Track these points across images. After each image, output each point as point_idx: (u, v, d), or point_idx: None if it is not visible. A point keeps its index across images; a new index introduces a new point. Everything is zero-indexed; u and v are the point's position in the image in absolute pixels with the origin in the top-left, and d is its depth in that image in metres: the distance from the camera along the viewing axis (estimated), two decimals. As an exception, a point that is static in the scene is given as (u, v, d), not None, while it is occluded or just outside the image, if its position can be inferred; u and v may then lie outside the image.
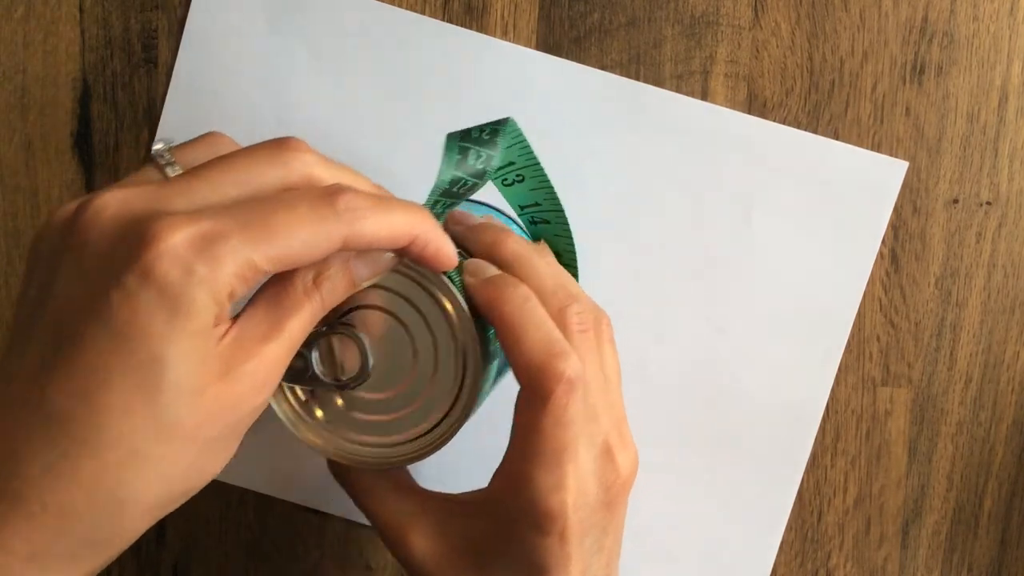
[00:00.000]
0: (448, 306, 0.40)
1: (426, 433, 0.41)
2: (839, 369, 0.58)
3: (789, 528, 0.58)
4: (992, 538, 0.59)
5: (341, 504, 0.57)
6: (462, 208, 0.46)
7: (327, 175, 0.36)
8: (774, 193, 0.57)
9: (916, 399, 0.59)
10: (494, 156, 0.43)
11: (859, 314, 0.58)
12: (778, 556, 0.58)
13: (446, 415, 0.41)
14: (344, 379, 0.41)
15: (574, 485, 0.39)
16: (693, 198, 0.57)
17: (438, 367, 0.40)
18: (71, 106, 0.57)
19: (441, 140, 0.43)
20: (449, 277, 0.40)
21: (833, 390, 0.58)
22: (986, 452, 0.59)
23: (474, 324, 0.40)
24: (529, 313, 0.39)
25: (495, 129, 0.43)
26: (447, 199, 0.41)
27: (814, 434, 0.58)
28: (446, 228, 0.42)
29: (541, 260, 0.43)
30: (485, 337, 0.41)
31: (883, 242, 0.57)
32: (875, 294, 0.58)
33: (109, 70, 0.56)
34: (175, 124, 0.56)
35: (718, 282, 0.57)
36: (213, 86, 0.56)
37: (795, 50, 0.57)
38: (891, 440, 0.59)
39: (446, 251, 0.38)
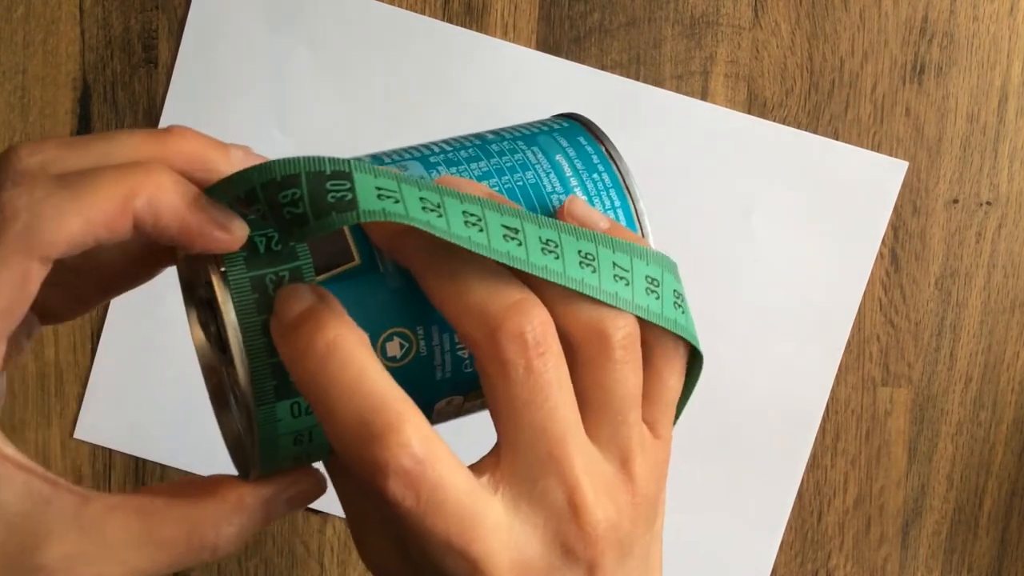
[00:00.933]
0: (224, 317, 0.28)
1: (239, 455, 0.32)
2: (839, 369, 0.58)
3: (789, 528, 0.58)
4: (992, 538, 0.59)
5: (341, 504, 0.57)
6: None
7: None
8: (774, 193, 0.57)
9: (916, 399, 0.59)
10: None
11: (859, 314, 0.58)
12: (778, 556, 0.58)
13: (250, 449, 0.30)
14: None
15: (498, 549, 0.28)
16: (693, 198, 0.57)
17: (233, 389, 0.30)
18: (71, 106, 0.57)
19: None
20: (258, 277, 0.28)
21: (833, 390, 0.58)
22: (986, 452, 0.59)
23: (244, 350, 0.28)
24: (334, 374, 0.27)
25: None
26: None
27: (814, 434, 0.58)
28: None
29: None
30: (269, 367, 0.28)
31: (883, 242, 0.57)
32: (875, 294, 0.58)
33: (109, 70, 0.57)
34: (175, 124, 0.56)
35: (718, 282, 0.57)
36: (213, 86, 0.56)
37: (795, 50, 0.57)
38: (891, 440, 0.59)
39: (189, 225, 0.27)
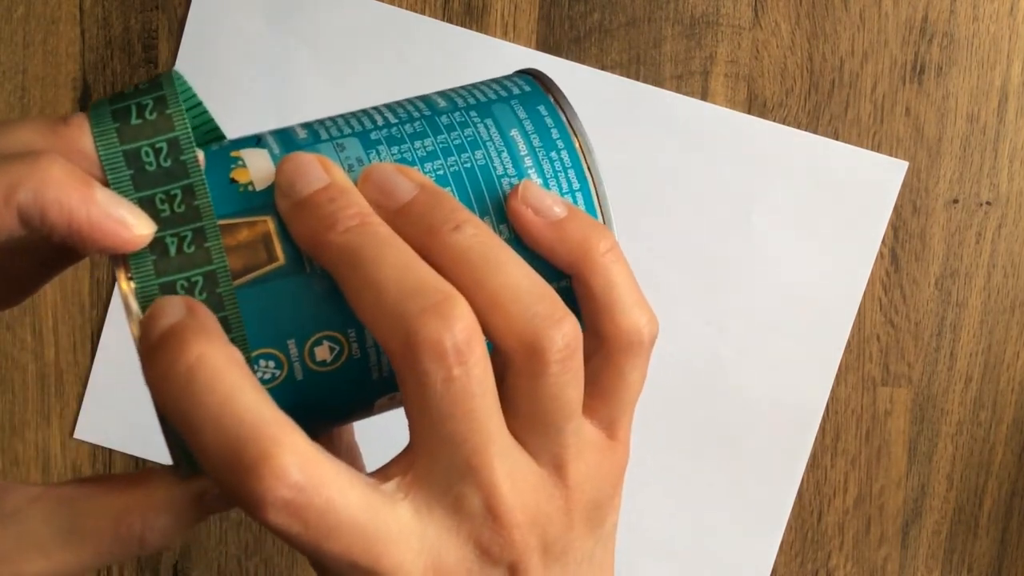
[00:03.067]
0: (130, 324, 0.26)
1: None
2: (839, 369, 0.58)
3: (789, 528, 0.58)
4: (992, 538, 0.59)
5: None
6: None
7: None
8: (774, 193, 0.57)
9: (916, 399, 0.59)
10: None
11: (859, 314, 0.58)
12: (778, 556, 0.58)
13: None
14: None
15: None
16: (693, 198, 0.57)
17: None
18: (71, 106, 0.57)
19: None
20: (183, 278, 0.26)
21: (833, 390, 0.58)
22: (986, 452, 0.59)
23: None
24: (198, 398, 0.24)
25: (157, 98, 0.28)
26: (142, 178, 0.27)
27: (814, 434, 0.58)
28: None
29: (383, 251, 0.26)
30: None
31: (883, 242, 0.57)
32: (875, 294, 0.58)
33: (109, 70, 0.56)
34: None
35: (718, 282, 0.57)
36: (213, 86, 0.56)
37: (795, 50, 0.57)
38: (891, 440, 0.59)
39: (80, 221, 0.25)
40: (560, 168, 0.29)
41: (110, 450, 0.57)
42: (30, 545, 0.27)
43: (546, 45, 0.57)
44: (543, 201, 0.28)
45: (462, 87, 0.31)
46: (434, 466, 0.26)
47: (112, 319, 0.57)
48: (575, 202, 0.29)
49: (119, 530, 0.27)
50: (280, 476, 0.24)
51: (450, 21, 0.56)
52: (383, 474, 0.27)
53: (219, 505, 0.28)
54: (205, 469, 0.25)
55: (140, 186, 0.26)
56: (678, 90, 0.57)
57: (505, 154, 0.29)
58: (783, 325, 0.57)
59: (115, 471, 0.57)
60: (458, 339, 0.24)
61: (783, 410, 0.58)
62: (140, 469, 0.29)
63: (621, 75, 0.57)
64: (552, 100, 0.30)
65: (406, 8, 0.56)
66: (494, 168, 0.29)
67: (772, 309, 0.57)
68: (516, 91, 0.30)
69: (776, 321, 0.57)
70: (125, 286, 0.26)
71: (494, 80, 0.31)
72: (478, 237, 0.26)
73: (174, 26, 0.56)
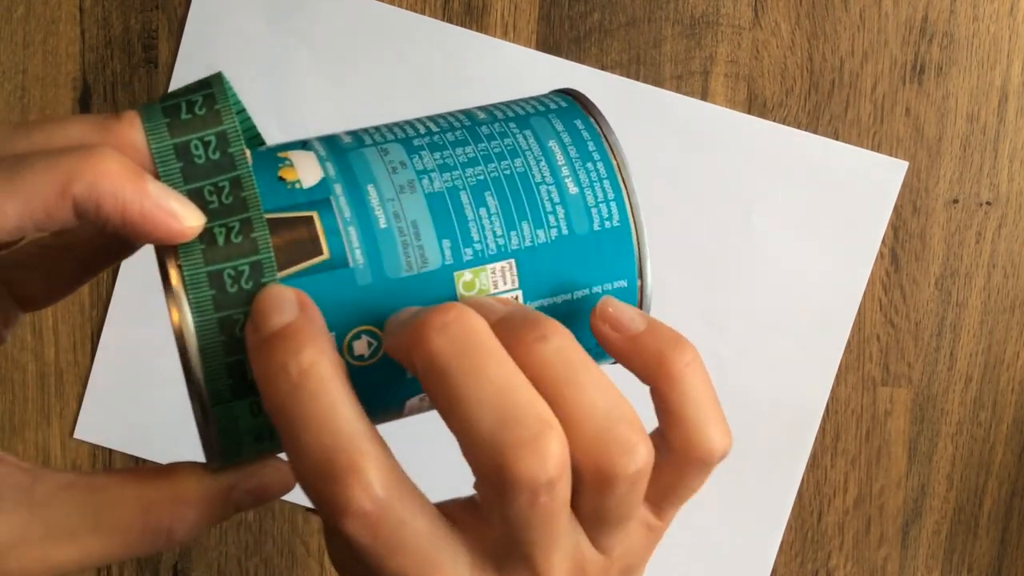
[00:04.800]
0: (172, 313, 0.27)
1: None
2: (839, 369, 0.58)
3: (789, 528, 0.58)
4: (992, 538, 0.59)
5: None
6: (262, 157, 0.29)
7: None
8: (774, 193, 0.57)
9: (916, 399, 0.59)
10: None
11: (859, 314, 0.58)
12: (778, 556, 0.58)
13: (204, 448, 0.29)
14: None
15: None
16: (693, 198, 0.57)
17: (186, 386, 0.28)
18: (71, 106, 0.57)
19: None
20: (211, 268, 0.27)
21: (833, 390, 0.58)
22: (986, 452, 0.59)
23: (199, 349, 0.27)
24: (304, 403, 0.25)
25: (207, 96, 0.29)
26: (190, 173, 0.28)
27: (814, 434, 0.58)
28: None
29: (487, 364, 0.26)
30: (224, 367, 0.27)
31: (883, 242, 0.57)
32: (875, 294, 0.58)
33: (109, 70, 0.56)
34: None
35: (718, 282, 0.57)
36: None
37: (795, 50, 0.57)
38: (891, 440, 0.59)
39: (133, 213, 0.25)
40: (596, 178, 0.30)
41: (110, 450, 0.57)
42: (60, 532, 0.27)
43: (546, 45, 0.57)
44: (621, 317, 0.28)
45: (501, 102, 0.32)
46: (498, 540, 0.27)
47: (112, 319, 0.57)
48: (609, 211, 0.30)
49: (148, 521, 0.27)
50: (365, 487, 0.25)
51: (450, 21, 0.56)
52: (446, 511, 0.27)
53: (247, 502, 0.29)
54: (293, 469, 0.26)
55: (189, 178, 0.27)
56: (678, 90, 0.57)
57: (543, 163, 0.30)
58: (783, 325, 0.57)
59: (115, 471, 0.57)
60: (551, 475, 0.25)
61: (783, 410, 0.58)
62: (170, 463, 0.29)
63: (621, 75, 0.57)
64: (588, 115, 0.31)
65: (406, 8, 0.56)
66: (532, 176, 0.29)
67: (772, 309, 0.57)
68: (553, 106, 0.31)
69: (776, 321, 0.57)
70: (174, 274, 0.26)
71: (532, 97, 0.32)
72: (562, 352, 0.26)
73: (174, 26, 0.56)
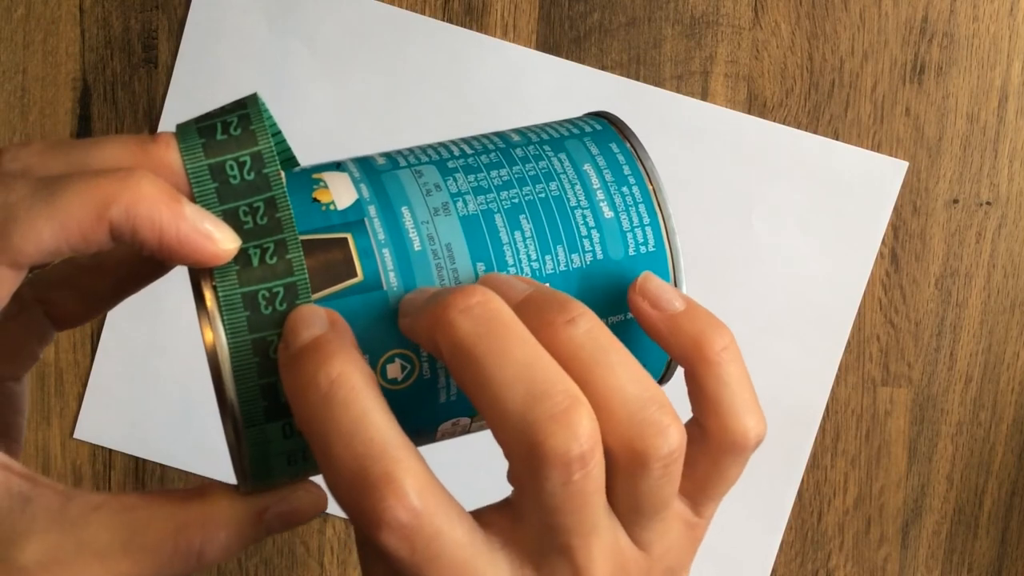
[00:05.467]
0: (205, 334, 0.27)
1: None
2: (839, 369, 0.58)
3: (789, 528, 0.58)
4: (992, 538, 0.59)
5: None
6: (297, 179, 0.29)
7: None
8: (774, 193, 0.57)
9: (916, 399, 0.59)
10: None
11: (859, 314, 0.58)
12: (778, 556, 0.58)
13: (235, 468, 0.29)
14: None
15: None
16: (693, 198, 0.57)
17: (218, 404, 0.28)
18: (71, 106, 0.57)
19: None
20: (237, 292, 0.27)
21: (833, 390, 0.58)
22: (986, 452, 0.59)
23: (232, 370, 0.27)
24: (335, 414, 0.25)
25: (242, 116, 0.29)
26: (226, 194, 0.28)
27: (814, 434, 0.58)
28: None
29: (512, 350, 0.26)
30: (258, 388, 0.27)
31: (883, 242, 0.57)
32: (875, 294, 0.58)
33: (109, 70, 0.56)
34: (175, 124, 0.56)
35: (718, 282, 0.57)
36: (213, 86, 0.56)
37: (795, 50, 0.57)
38: (891, 440, 0.59)
39: (170, 237, 0.26)
40: (632, 202, 0.30)
41: (110, 450, 0.57)
42: (90, 552, 0.27)
43: (546, 45, 0.57)
44: (661, 295, 0.28)
45: (535, 125, 0.32)
46: (534, 535, 0.27)
47: (112, 319, 0.57)
48: (644, 236, 0.30)
49: (179, 543, 0.27)
50: (401, 498, 0.24)
51: (450, 21, 0.56)
52: (480, 518, 0.27)
53: (278, 524, 0.29)
54: (327, 481, 0.25)
55: (224, 199, 0.27)
56: (678, 90, 0.57)
57: (578, 186, 0.29)
58: (783, 325, 0.57)
59: (115, 471, 0.57)
60: (583, 449, 0.25)
61: (783, 410, 0.58)
62: (202, 484, 0.29)
63: (621, 75, 0.57)
64: (623, 139, 0.31)
65: (406, 8, 0.56)
66: (567, 199, 0.29)
67: (772, 309, 0.57)
68: (588, 129, 0.31)
69: (776, 321, 0.57)
70: (209, 295, 0.26)
71: (566, 119, 0.32)
72: (591, 334, 0.26)
73: (174, 26, 0.56)
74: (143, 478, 0.57)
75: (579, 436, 0.25)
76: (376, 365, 0.28)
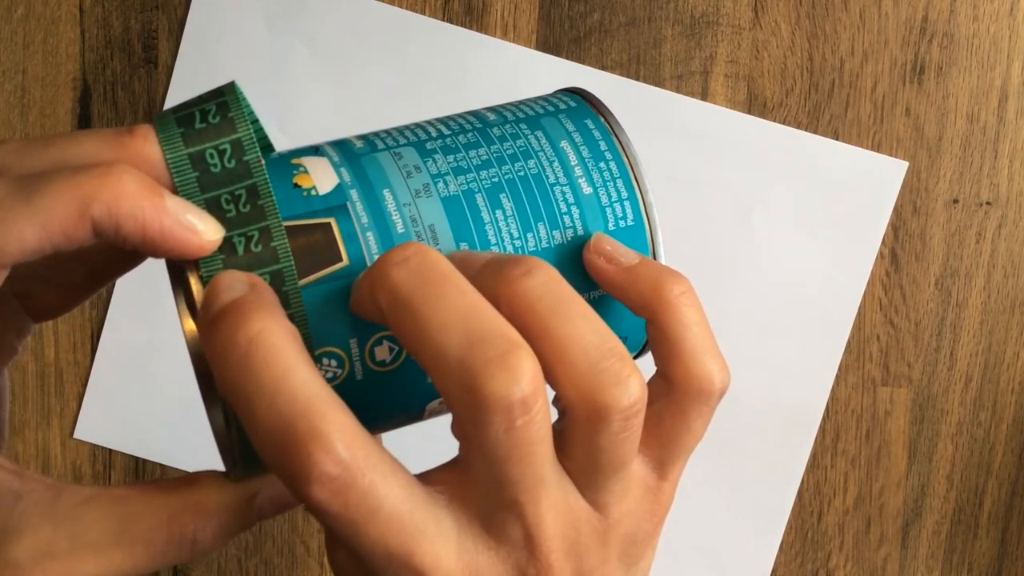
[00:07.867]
0: (186, 323, 0.27)
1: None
2: (839, 369, 0.58)
3: (789, 528, 0.58)
4: (992, 538, 0.59)
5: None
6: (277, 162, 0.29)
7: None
8: (774, 193, 0.57)
9: (916, 399, 0.59)
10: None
11: (859, 314, 0.58)
12: (778, 556, 0.58)
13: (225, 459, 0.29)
14: None
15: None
16: (693, 198, 0.57)
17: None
18: (71, 106, 0.57)
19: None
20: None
21: (833, 390, 0.58)
22: (986, 452, 0.59)
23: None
24: (255, 372, 0.24)
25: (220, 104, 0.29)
26: (208, 185, 0.28)
27: (814, 434, 0.58)
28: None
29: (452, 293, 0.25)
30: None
31: (883, 242, 0.57)
32: (875, 294, 0.58)
33: (109, 70, 0.56)
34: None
35: (718, 282, 0.57)
36: (213, 86, 0.56)
37: (795, 50, 0.57)
38: (891, 440, 0.59)
39: (153, 232, 0.25)
40: (609, 178, 0.30)
41: (110, 450, 0.57)
42: (84, 545, 0.27)
43: (546, 45, 0.57)
44: (616, 250, 0.28)
45: (510, 103, 0.32)
46: (481, 491, 0.26)
47: (112, 319, 0.57)
48: (623, 210, 0.30)
49: (171, 531, 0.27)
50: (328, 451, 0.24)
51: (450, 21, 0.56)
52: (426, 479, 0.26)
53: (270, 509, 0.28)
54: (254, 443, 0.25)
55: (206, 188, 0.27)
56: (678, 90, 0.57)
57: (556, 164, 0.30)
58: (783, 325, 0.57)
59: (115, 471, 0.57)
60: (525, 392, 0.24)
61: (783, 410, 0.58)
62: (191, 473, 0.29)
63: (621, 75, 0.57)
64: (598, 114, 0.31)
65: (406, 8, 0.56)
66: (546, 177, 0.29)
67: (772, 309, 0.57)
68: (563, 106, 0.31)
69: (776, 321, 0.57)
70: (195, 285, 0.26)
71: (540, 97, 0.32)
72: (548, 286, 0.26)
73: (174, 26, 0.56)
74: (143, 478, 0.57)
75: (519, 379, 0.24)
76: (365, 348, 0.28)
